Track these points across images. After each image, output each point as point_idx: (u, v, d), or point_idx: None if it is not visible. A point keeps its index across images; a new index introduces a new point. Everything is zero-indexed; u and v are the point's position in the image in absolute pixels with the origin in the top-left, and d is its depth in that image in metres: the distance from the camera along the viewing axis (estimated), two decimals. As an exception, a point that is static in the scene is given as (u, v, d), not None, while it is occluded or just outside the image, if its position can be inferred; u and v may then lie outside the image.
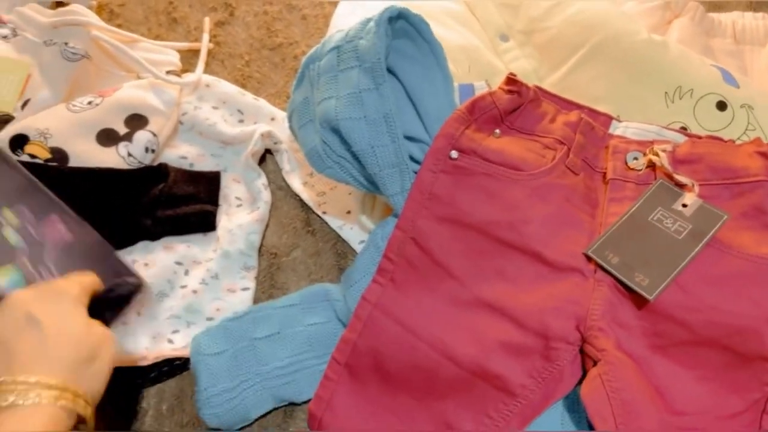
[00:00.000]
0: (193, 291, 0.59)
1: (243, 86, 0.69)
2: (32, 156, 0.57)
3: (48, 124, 0.59)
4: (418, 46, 0.54)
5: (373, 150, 0.51)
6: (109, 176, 0.59)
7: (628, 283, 0.47)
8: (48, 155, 0.58)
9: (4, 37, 0.65)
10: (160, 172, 0.62)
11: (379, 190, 0.53)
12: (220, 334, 0.54)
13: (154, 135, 0.62)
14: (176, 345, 0.57)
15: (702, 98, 0.55)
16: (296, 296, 0.56)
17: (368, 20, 0.53)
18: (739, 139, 0.54)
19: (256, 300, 0.60)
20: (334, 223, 0.63)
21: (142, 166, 0.62)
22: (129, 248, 0.60)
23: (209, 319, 0.58)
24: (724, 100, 0.55)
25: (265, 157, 0.67)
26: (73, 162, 0.59)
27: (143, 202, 0.60)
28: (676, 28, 0.62)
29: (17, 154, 0.58)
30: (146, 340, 0.57)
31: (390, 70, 0.53)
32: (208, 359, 0.53)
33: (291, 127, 0.58)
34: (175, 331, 0.58)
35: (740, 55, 0.63)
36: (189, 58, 0.71)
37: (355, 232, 0.62)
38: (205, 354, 0.53)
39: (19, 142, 0.58)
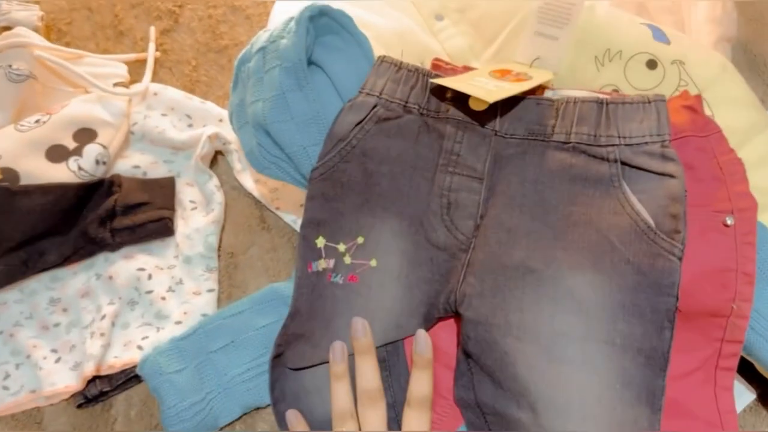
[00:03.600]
0: (161, 298, 0.60)
1: (191, 91, 0.70)
2: (-16, 179, 0.59)
3: (-3, 147, 0.60)
4: (343, 39, 0.55)
5: (305, 150, 0.52)
6: (61, 191, 0.60)
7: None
8: (-1, 176, 0.59)
9: (-46, 67, 0.67)
10: (113, 183, 0.63)
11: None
12: (175, 353, 0.55)
13: (104, 147, 0.63)
14: (146, 351, 0.58)
15: (631, 58, 0.55)
16: (245, 301, 0.57)
17: (290, 19, 0.53)
18: (672, 94, 0.54)
19: (218, 300, 0.62)
20: (288, 217, 0.64)
21: (95, 178, 0.63)
22: (89, 262, 0.62)
23: (177, 322, 0.59)
24: (654, 59, 0.55)
25: (217, 158, 0.68)
26: (25, 180, 0.60)
27: (99, 215, 0.61)
28: (609, -10, 0.62)
29: (-32, 179, 0.59)
30: (117, 348, 0.59)
31: (317, 65, 0.54)
32: (171, 377, 0.54)
33: (233, 129, 0.59)
34: (145, 338, 0.59)
35: (677, 11, 0.62)
36: (138, 68, 0.72)
37: (308, 224, 0.63)
38: (167, 373, 0.54)
39: (-31, 167, 0.59)
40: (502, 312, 0.46)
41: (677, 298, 0.44)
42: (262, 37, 0.55)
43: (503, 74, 0.54)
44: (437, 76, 0.53)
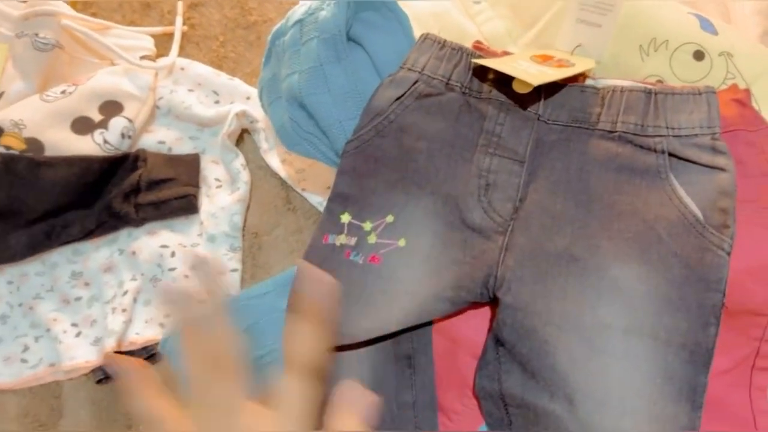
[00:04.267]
0: (184, 276, 0.59)
1: (219, 67, 0.69)
2: (8, 147, 0.58)
3: (22, 115, 0.59)
4: (383, 15, 0.53)
5: (341, 124, 0.50)
6: (86, 164, 0.59)
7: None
8: (23, 146, 0.58)
9: (-21, 33, 0.66)
10: (138, 157, 0.62)
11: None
12: None
13: (130, 121, 0.62)
14: (168, 329, 0.57)
15: (678, 49, 0.53)
16: (269, 283, 0.56)
17: (329, -9, 0.52)
18: (718, 88, 0.53)
19: (241, 281, 0.61)
20: (314, 199, 0.63)
21: (120, 152, 0.62)
22: (113, 237, 0.61)
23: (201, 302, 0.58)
24: (701, 49, 0.53)
25: (243, 136, 0.67)
26: (49, 152, 0.59)
27: (123, 189, 0.60)
28: (653, -22, 0.60)
29: (-7, 147, 0.58)
30: (139, 325, 0.58)
31: (355, 41, 0.52)
32: None
33: (262, 105, 0.58)
34: (167, 315, 0.58)
35: (723, 1, 0.61)
36: (164, 42, 0.70)
37: (335, 206, 0.62)
38: None
39: (-6, 135, 0.58)
40: (543, 299, 0.45)
41: (724, 294, 0.43)
42: (298, 11, 0.54)
43: (545, 59, 0.53)
44: (480, 56, 0.51)
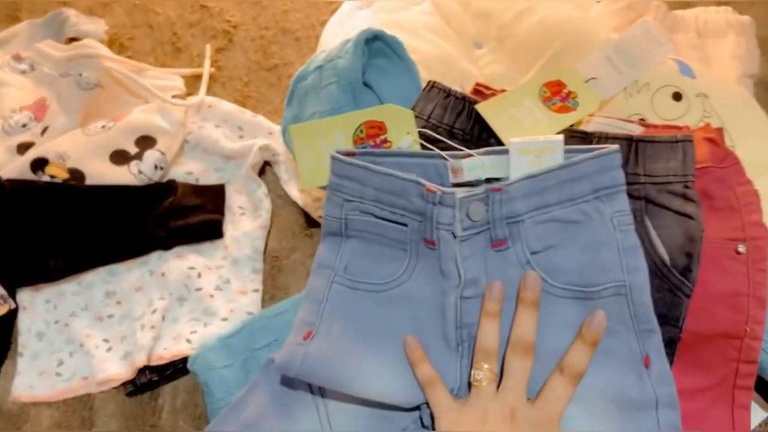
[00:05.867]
0: (209, 295, 0.64)
1: (243, 105, 0.75)
2: (52, 177, 0.64)
3: (66, 147, 0.65)
4: (393, 63, 0.59)
5: None
6: (123, 193, 0.65)
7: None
8: (66, 175, 0.64)
9: (23, 72, 0.73)
10: (169, 186, 0.68)
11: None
12: (223, 350, 0.58)
13: (162, 153, 0.68)
14: (194, 344, 0.61)
15: (658, 90, 0.59)
16: (287, 303, 0.60)
17: (347, 41, 0.58)
18: (695, 125, 0.58)
19: (261, 301, 0.66)
20: (329, 226, 0.68)
21: (152, 182, 0.68)
22: (144, 259, 0.66)
23: (224, 319, 0.63)
24: (680, 91, 0.59)
25: (265, 168, 0.73)
26: (90, 181, 0.65)
27: (156, 215, 0.65)
28: (638, 27, 0.66)
29: (38, 176, 0.64)
30: (167, 341, 0.62)
31: (367, 85, 0.59)
32: (221, 372, 0.57)
33: (285, 142, 0.64)
34: (193, 332, 0.63)
35: (703, 48, 0.67)
36: (193, 83, 0.77)
37: (348, 233, 0.67)
38: (216, 368, 0.57)
39: (39, 164, 0.64)
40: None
41: (681, 330, 0.48)
42: (318, 57, 0.60)
43: (554, 92, 0.57)
44: (477, 101, 0.57)
